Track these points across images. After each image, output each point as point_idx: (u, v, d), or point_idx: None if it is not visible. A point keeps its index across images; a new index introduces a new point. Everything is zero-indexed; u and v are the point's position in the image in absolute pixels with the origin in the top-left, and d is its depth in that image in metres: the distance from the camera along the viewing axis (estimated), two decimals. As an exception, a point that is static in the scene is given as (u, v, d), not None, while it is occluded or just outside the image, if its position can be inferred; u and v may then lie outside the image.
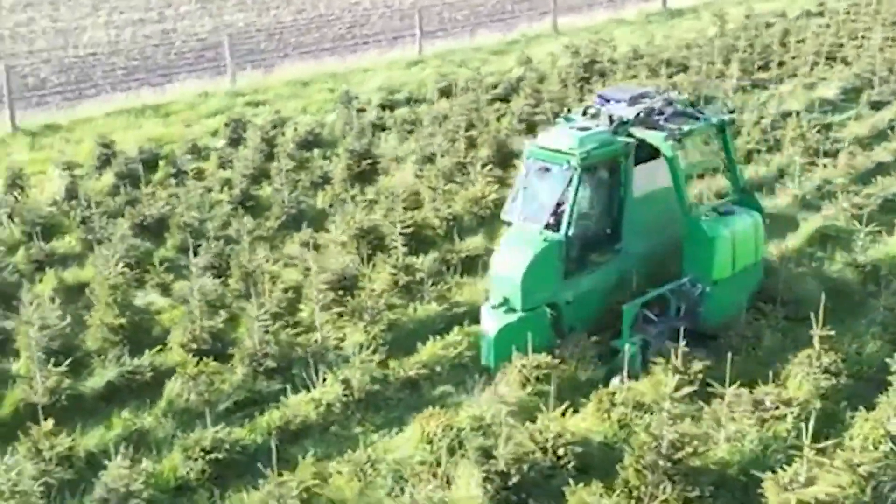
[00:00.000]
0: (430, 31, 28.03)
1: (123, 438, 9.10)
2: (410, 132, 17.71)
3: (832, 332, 9.59)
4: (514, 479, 8.08)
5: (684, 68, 21.58)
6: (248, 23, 30.24)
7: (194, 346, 10.39)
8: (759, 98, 19.63)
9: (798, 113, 17.44)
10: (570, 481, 7.87)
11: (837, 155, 15.85)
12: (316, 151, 16.88)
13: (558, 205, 9.79)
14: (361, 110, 19.16)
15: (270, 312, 10.77)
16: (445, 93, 20.30)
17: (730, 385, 8.84)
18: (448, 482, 8.29)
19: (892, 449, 8.58)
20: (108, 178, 15.77)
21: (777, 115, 17.67)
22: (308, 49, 26.43)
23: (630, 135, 10.15)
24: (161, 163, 16.39)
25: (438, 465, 8.46)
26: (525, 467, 8.15)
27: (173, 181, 15.47)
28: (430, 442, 8.84)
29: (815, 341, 9.54)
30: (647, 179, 10.35)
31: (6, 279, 11.83)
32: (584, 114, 10.51)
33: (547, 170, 9.90)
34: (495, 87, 20.44)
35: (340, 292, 11.33)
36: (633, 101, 10.39)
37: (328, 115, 19.17)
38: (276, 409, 9.43)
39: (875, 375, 9.60)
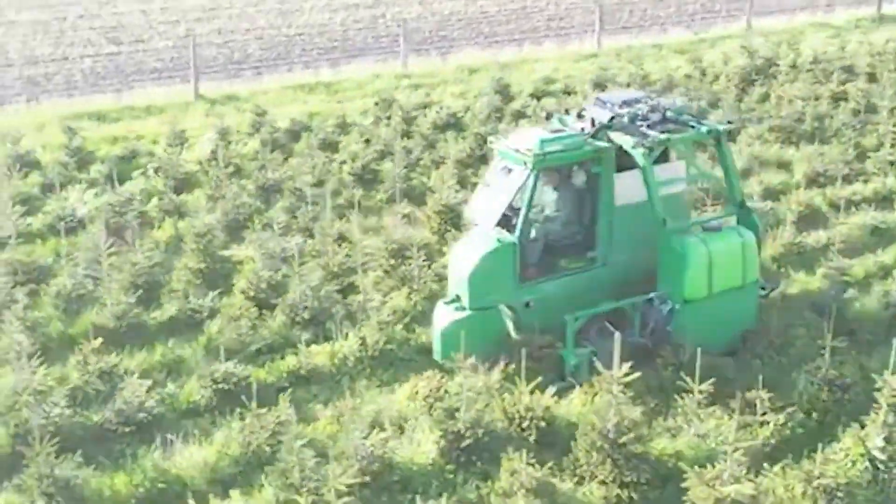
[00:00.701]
0: (627, 27, 28.05)
1: (161, 364, 10.32)
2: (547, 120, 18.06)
3: (844, 345, 9.33)
4: (468, 441, 8.55)
5: (861, 76, 20.52)
6: (454, 11, 31.39)
7: (252, 293, 11.47)
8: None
9: (960, 128, 16.31)
10: (509, 449, 8.22)
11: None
12: (449, 134, 17.62)
13: (518, 207, 9.64)
14: (511, 98, 19.72)
15: (330, 272, 11.75)
16: (601, 86, 20.46)
17: (739, 389, 8.83)
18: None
19: (867, 468, 8.32)
20: (254, 144, 17.27)
21: (935, 129, 16.60)
22: (498, 38, 27.17)
23: (611, 140, 9.87)
24: (305, 134, 17.68)
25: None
26: (480, 432, 8.60)
27: (307, 151, 16.69)
28: (417, 400, 9.46)
29: (826, 353, 9.30)
30: (634, 188, 9.89)
31: (128, 222, 13.42)
32: (580, 116, 10.33)
33: (509, 170, 9.79)
34: (654, 83, 20.33)
35: (400, 260, 12.07)
36: (624, 105, 10.04)
37: (478, 102, 19.83)
38: (293, 355, 10.31)
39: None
